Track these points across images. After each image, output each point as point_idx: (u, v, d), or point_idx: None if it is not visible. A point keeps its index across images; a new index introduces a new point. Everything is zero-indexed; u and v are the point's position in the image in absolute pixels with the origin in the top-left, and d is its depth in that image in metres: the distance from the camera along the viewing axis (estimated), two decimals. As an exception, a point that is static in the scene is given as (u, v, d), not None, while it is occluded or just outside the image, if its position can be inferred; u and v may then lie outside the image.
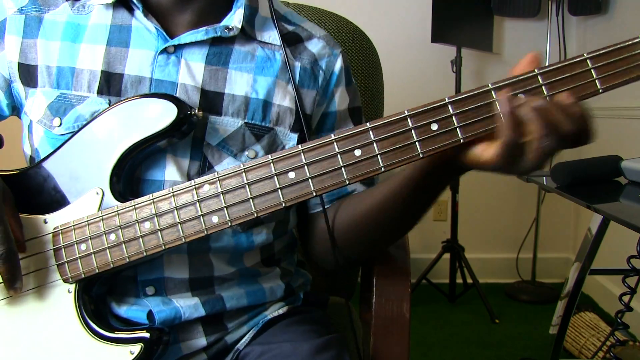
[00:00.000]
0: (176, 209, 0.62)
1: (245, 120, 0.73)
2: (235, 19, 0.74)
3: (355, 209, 0.74)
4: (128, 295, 0.71)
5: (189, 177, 0.70)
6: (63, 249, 0.66)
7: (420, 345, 2.06)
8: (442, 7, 2.22)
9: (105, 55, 0.71)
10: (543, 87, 0.54)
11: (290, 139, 0.76)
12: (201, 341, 0.73)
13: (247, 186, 0.60)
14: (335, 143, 0.58)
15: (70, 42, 0.72)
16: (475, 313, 2.33)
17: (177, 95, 0.70)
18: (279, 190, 0.59)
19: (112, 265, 0.64)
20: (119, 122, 0.67)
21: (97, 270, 0.65)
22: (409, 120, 0.56)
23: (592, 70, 0.53)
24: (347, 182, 0.57)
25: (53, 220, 0.67)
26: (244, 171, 0.60)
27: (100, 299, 0.70)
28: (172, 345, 0.72)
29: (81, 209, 0.67)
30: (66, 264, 0.66)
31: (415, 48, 2.50)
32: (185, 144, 0.70)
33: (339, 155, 0.57)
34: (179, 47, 0.72)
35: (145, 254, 0.63)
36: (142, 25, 0.72)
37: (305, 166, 0.58)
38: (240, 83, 0.73)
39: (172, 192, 0.62)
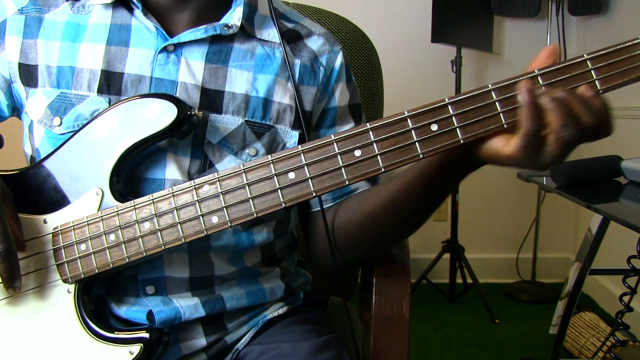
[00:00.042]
0: (176, 209, 0.62)
1: (246, 119, 0.73)
2: (234, 17, 0.74)
3: (362, 208, 0.74)
4: (128, 294, 0.71)
5: (189, 176, 0.70)
6: (63, 249, 0.66)
7: (420, 345, 2.06)
8: (442, 7, 2.22)
9: (105, 55, 0.71)
10: (543, 89, 0.54)
11: (291, 137, 0.76)
12: (201, 341, 0.73)
13: (247, 186, 0.60)
14: (335, 143, 0.58)
15: (70, 41, 0.73)
16: (475, 313, 2.33)
17: (177, 93, 0.71)
18: (279, 190, 0.59)
19: (111, 266, 0.64)
20: (119, 122, 0.67)
21: (96, 271, 0.65)
22: (409, 120, 0.56)
23: (592, 71, 0.53)
24: (347, 183, 0.58)
25: (53, 221, 0.67)
26: (244, 171, 0.60)
27: (100, 299, 0.70)
28: (172, 345, 0.72)
29: (81, 209, 0.67)
30: (66, 264, 0.66)
31: (415, 48, 2.49)
32: (185, 142, 0.70)
33: (339, 156, 0.58)
34: (178, 46, 0.72)
35: (145, 254, 0.63)
36: (141, 25, 0.72)
37: (305, 166, 0.58)
38: (240, 81, 0.73)
39: (172, 193, 0.62)
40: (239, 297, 0.76)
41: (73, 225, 0.66)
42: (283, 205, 0.59)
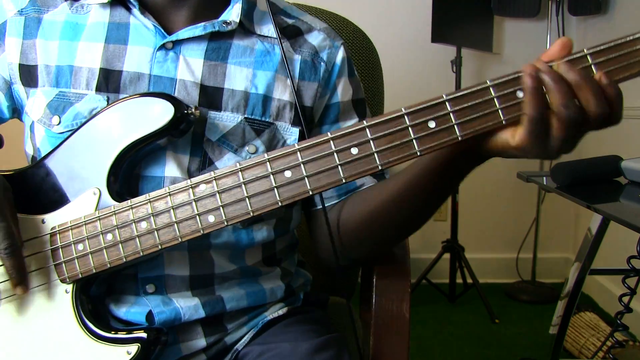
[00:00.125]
0: (172, 209, 0.62)
1: (245, 116, 0.73)
2: (233, 13, 0.73)
3: (368, 203, 0.73)
4: (128, 293, 0.71)
5: (189, 173, 0.70)
6: (60, 249, 0.66)
7: (420, 345, 2.06)
8: (442, 7, 2.22)
9: (104, 53, 0.71)
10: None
11: (291, 134, 0.75)
12: (201, 342, 0.73)
13: (243, 185, 0.59)
14: (331, 141, 0.57)
15: (68, 40, 0.73)
16: (475, 313, 2.33)
17: (176, 91, 0.70)
18: (275, 189, 0.59)
19: (108, 265, 0.64)
20: (116, 122, 0.67)
21: (94, 271, 0.65)
22: (406, 118, 0.55)
23: (592, 67, 0.53)
24: (344, 181, 0.57)
25: (51, 220, 0.67)
26: (240, 170, 0.60)
27: (99, 299, 0.70)
28: (172, 345, 0.72)
29: (79, 208, 0.67)
30: (63, 264, 0.66)
31: (415, 48, 2.49)
32: (185, 140, 0.70)
33: (335, 154, 0.57)
34: (177, 43, 0.71)
35: (141, 253, 0.63)
36: (140, 23, 0.72)
37: (302, 165, 0.58)
38: (239, 78, 0.73)
39: (169, 192, 0.62)
40: (239, 298, 0.76)
41: (71, 225, 0.66)
42: (279, 203, 0.59)
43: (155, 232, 0.62)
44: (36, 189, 0.69)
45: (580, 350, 1.85)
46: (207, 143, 0.71)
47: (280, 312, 0.81)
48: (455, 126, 0.55)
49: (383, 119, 0.56)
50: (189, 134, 0.70)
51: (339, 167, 0.57)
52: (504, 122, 0.54)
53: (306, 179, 0.58)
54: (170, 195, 0.62)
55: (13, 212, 0.67)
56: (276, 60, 0.75)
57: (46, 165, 0.69)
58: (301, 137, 0.75)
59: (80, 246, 0.65)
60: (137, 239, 0.63)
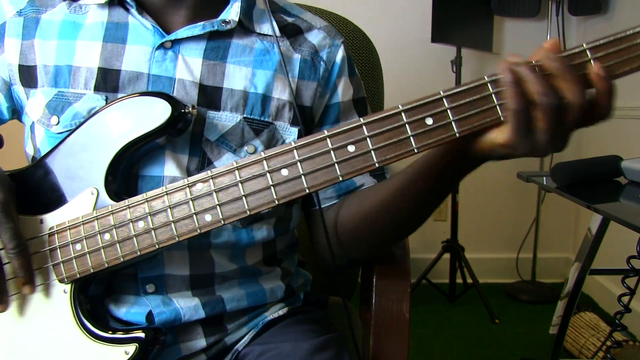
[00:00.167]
0: (169, 208, 0.62)
1: (244, 115, 0.72)
2: (232, 12, 0.73)
3: (367, 203, 0.73)
4: (128, 293, 0.71)
5: (188, 173, 0.70)
6: (58, 249, 0.66)
7: (420, 345, 2.06)
8: (442, 7, 2.22)
9: (102, 52, 0.71)
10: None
11: (290, 133, 0.75)
12: (200, 342, 0.73)
13: (239, 184, 0.59)
14: (328, 139, 0.57)
15: (67, 40, 0.72)
16: (475, 313, 2.33)
17: (175, 90, 0.70)
18: (272, 187, 0.58)
19: (106, 265, 0.64)
20: (114, 121, 0.67)
21: (91, 270, 0.65)
22: (403, 115, 0.55)
23: (591, 61, 0.52)
24: (341, 179, 0.57)
25: (49, 221, 0.67)
26: (237, 169, 0.59)
27: (98, 299, 0.70)
28: (172, 346, 0.72)
29: (76, 208, 0.67)
30: (61, 264, 0.66)
31: (415, 48, 2.49)
32: (184, 140, 0.70)
33: (332, 152, 0.57)
34: (176, 43, 0.71)
35: (139, 253, 0.63)
36: (138, 22, 0.72)
37: (298, 163, 0.57)
38: (238, 77, 0.73)
39: (166, 191, 0.62)
40: (239, 298, 0.76)
41: (68, 225, 0.66)
42: (276, 202, 0.58)
43: (153, 231, 0.62)
44: (35, 189, 0.69)
45: (580, 350, 1.85)
46: (205, 143, 0.71)
47: (281, 312, 0.81)
48: (452, 123, 0.54)
49: (380, 116, 0.55)
50: (187, 133, 0.70)
51: (336, 164, 0.57)
52: (502, 119, 0.53)
53: (303, 177, 0.57)
54: (167, 194, 0.62)
55: (17, 212, 0.67)
56: (276, 60, 0.75)
57: (44, 165, 0.69)
58: (300, 137, 0.75)
59: (78, 246, 0.65)
60: (134, 239, 0.63)
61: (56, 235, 0.66)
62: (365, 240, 0.76)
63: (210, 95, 0.71)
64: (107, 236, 0.64)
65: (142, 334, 0.65)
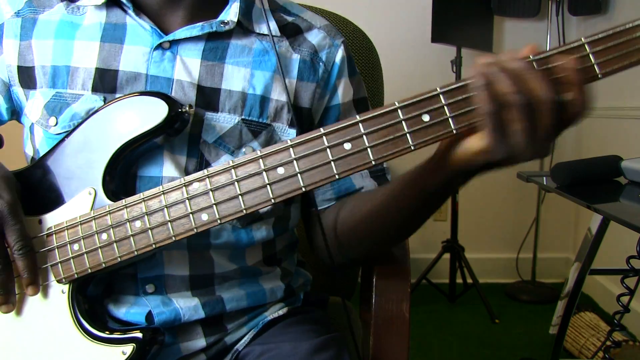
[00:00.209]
0: (166, 207, 0.62)
1: (242, 117, 0.72)
2: (231, 12, 0.73)
3: (361, 209, 0.73)
4: (127, 293, 0.71)
5: (187, 174, 0.69)
6: (56, 250, 0.66)
7: (420, 345, 2.06)
8: (442, 7, 2.22)
9: (100, 52, 0.71)
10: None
11: (288, 135, 0.75)
12: (200, 342, 0.73)
13: (236, 183, 0.59)
14: (324, 137, 0.56)
15: (64, 39, 0.72)
16: (475, 313, 2.33)
17: (173, 91, 0.70)
18: (268, 186, 0.58)
19: (104, 265, 0.64)
20: (111, 122, 0.67)
21: (89, 271, 0.65)
22: (399, 111, 0.55)
23: (590, 55, 0.51)
24: (337, 177, 0.56)
25: (47, 221, 0.67)
26: (233, 167, 0.59)
27: (97, 299, 0.70)
28: (171, 346, 0.72)
29: (74, 209, 0.67)
30: (59, 265, 0.66)
31: (415, 48, 2.49)
32: (181, 141, 0.70)
33: (328, 149, 0.56)
34: (174, 43, 0.71)
35: (136, 253, 0.63)
36: (136, 23, 0.72)
37: (295, 161, 0.57)
38: (237, 78, 0.72)
39: (162, 190, 0.62)
40: (239, 298, 0.76)
41: (66, 226, 0.66)
42: (272, 201, 0.58)
43: (149, 231, 0.62)
44: (33, 189, 0.69)
45: (580, 350, 1.85)
46: (203, 145, 0.71)
47: (281, 312, 0.81)
48: (449, 119, 0.54)
49: (376, 113, 0.55)
50: (185, 134, 0.70)
51: (332, 162, 0.56)
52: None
53: (299, 175, 0.57)
54: (163, 193, 0.62)
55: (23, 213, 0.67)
56: (274, 60, 0.74)
57: (43, 166, 0.69)
58: None
59: (75, 246, 0.65)
60: (131, 239, 0.63)
61: (54, 235, 0.66)
62: (366, 239, 0.76)
63: (208, 97, 0.71)
64: (104, 236, 0.64)
65: (139, 334, 0.65)
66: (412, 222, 0.71)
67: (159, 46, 0.71)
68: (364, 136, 0.55)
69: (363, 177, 0.80)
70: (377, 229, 0.72)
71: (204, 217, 0.60)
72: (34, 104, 0.73)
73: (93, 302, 0.69)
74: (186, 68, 0.71)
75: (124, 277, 0.71)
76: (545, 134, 0.50)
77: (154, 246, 0.62)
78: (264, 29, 0.75)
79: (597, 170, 1.06)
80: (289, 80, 0.75)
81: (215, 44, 0.73)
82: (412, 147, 0.55)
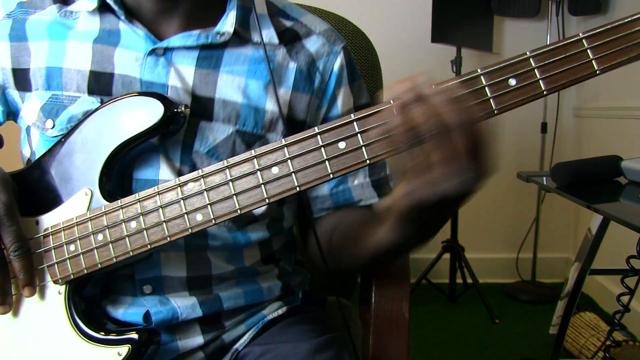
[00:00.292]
0: (161, 208, 0.61)
1: (237, 128, 0.71)
2: (227, 23, 0.71)
3: (347, 226, 0.73)
4: (125, 294, 0.71)
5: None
6: (53, 250, 0.66)
7: (420, 345, 2.06)
8: (442, 7, 2.22)
9: (93, 55, 0.70)
10: (535, 71, 0.52)
11: None
12: (198, 339, 0.73)
13: (230, 183, 0.59)
14: (319, 136, 0.56)
15: (57, 41, 0.72)
16: (475, 313, 2.33)
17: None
18: (262, 186, 0.58)
19: (99, 266, 0.64)
20: (107, 122, 0.67)
21: (85, 271, 0.65)
22: (395, 110, 0.54)
23: (588, 51, 0.51)
24: (332, 176, 0.56)
25: (44, 222, 0.67)
26: (228, 167, 0.59)
27: (94, 300, 0.70)
28: (169, 344, 0.72)
29: (71, 209, 0.67)
30: (56, 265, 0.66)
31: (415, 48, 2.49)
32: (174, 150, 0.69)
33: (322, 149, 0.56)
34: (168, 50, 0.70)
35: (131, 253, 0.63)
36: (129, 29, 0.71)
37: (289, 160, 0.57)
38: (231, 87, 0.71)
39: (157, 191, 0.62)
40: (236, 296, 0.76)
41: (63, 227, 0.66)
42: (267, 200, 0.58)
43: (145, 231, 0.62)
44: (30, 190, 0.69)
45: (580, 350, 1.85)
46: (195, 154, 0.70)
47: (280, 312, 0.81)
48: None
49: (371, 111, 0.55)
50: (178, 143, 0.69)
51: (327, 161, 0.56)
52: (495, 112, 0.52)
53: (293, 175, 0.57)
54: (158, 194, 0.62)
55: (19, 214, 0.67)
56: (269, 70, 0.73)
57: (40, 167, 0.69)
58: None
59: (72, 247, 0.65)
60: (126, 239, 0.63)
61: (51, 236, 0.66)
62: (352, 263, 0.74)
63: (203, 105, 0.70)
64: (100, 237, 0.64)
65: (135, 335, 0.65)
66: (395, 258, 0.70)
67: (153, 52, 0.70)
68: (359, 135, 0.55)
69: (363, 188, 0.78)
70: (362, 256, 0.70)
71: (199, 217, 0.60)
72: (30, 106, 0.73)
73: (91, 303, 0.69)
74: (180, 75, 0.70)
75: (121, 278, 0.70)
76: (467, 159, 0.48)
77: (149, 247, 0.62)
78: (259, 37, 0.73)
79: (597, 170, 1.06)
80: (285, 90, 0.74)
81: (210, 53, 0.71)
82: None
